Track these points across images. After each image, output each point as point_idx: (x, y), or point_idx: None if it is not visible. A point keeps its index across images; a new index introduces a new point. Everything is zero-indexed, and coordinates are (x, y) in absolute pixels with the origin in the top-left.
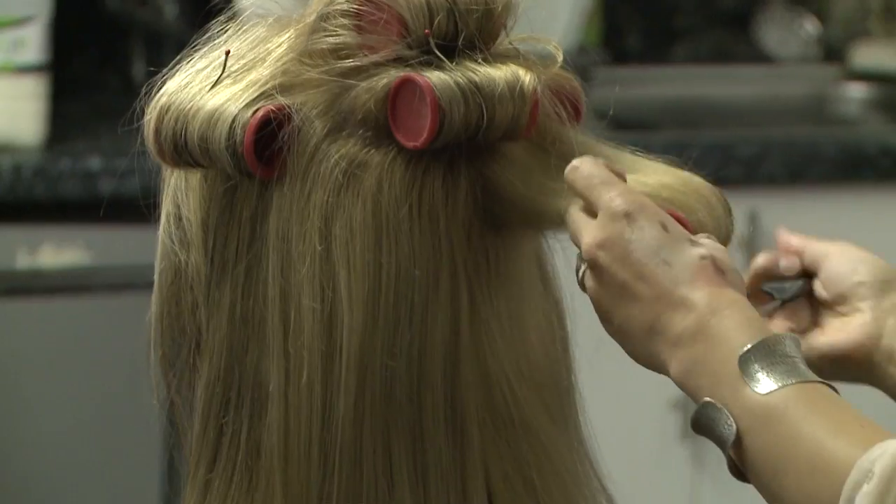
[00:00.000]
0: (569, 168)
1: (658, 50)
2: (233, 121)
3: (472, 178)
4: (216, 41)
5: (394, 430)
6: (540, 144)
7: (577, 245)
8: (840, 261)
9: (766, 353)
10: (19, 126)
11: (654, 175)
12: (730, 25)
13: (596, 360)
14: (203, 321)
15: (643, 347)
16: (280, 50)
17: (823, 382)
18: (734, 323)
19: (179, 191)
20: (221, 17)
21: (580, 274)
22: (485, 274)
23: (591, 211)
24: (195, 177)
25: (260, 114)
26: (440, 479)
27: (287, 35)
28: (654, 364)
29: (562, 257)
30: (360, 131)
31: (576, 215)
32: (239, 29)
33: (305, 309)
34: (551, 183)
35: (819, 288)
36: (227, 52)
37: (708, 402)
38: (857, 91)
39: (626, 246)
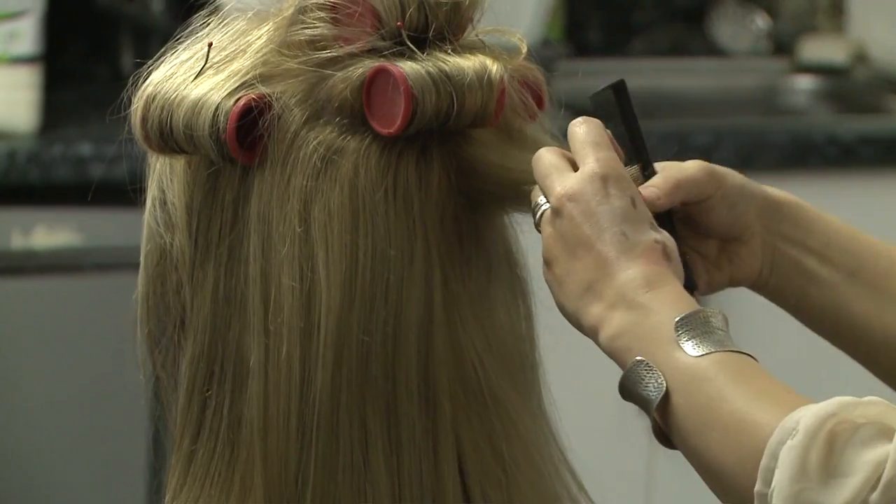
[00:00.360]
0: (572, 123)
1: (617, 44)
2: (216, 109)
3: (445, 162)
4: (199, 34)
5: (369, 403)
6: (507, 131)
7: (543, 186)
8: (719, 209)
9: (698, 323)
10: (14, 114)
11: None
12: (685, 21)
13: (559, 337)
14: (187, 300)
15: (575, 302)
16: (260, 42)
17: (749, 355)
18: (669, 297)
19: (164, 176)
20: (204, 12)
21: (538, 215)
22: (457, 254)
23: (574, 163)
24: (179, 163)
25: (242, 102)
26: (413, 449)
27: (266, 28)
28: (580, 319)
29: (526, 239)
30: (337, 119)
31: (553, 159)
32: (220, 22)
33: (285, 288)
34: (522, 156)
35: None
36: (210, 45)
37: (640, 361)
38: (805, 83)
39: (594, 206)
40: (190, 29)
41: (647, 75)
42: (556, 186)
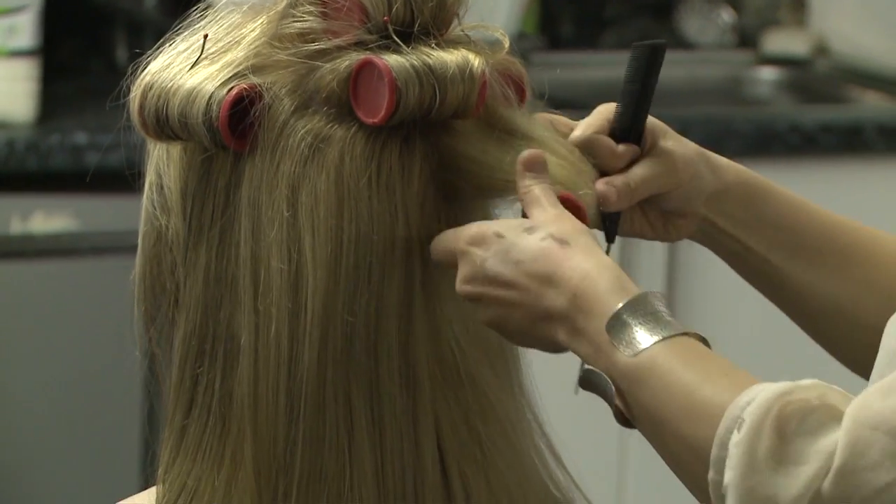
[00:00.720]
0: (431, 250)
1: (589, 37)
2: (209, 98)
3: (427, 152)
4: (196, 26)
5: (353, 380)
6: (488, 122)
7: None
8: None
9: (630, 313)
10: (13, 105)
11: (553, 155)
12: (654, 15)
13: None
14: (181, 280)
15: (537, 338)
16: (253, 34)
17: (687, 333)
18: (601, 288)
19: (161, 162)
20: (200, 5)
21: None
22: None
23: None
24: (176, 149)
25: (234, 92)
26: (395, 426)
27: (260, 21)
28: (550, 347)
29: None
30: (325, 108)
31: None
32: (217, 15)
33: (274, 270)
34: (499, 153)
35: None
36: (205, 36)
37: (588, 369)
38: (768, 74)
39: (482, 267)
40: (188, 21)
41: (617, 67)
42: (455, 288)
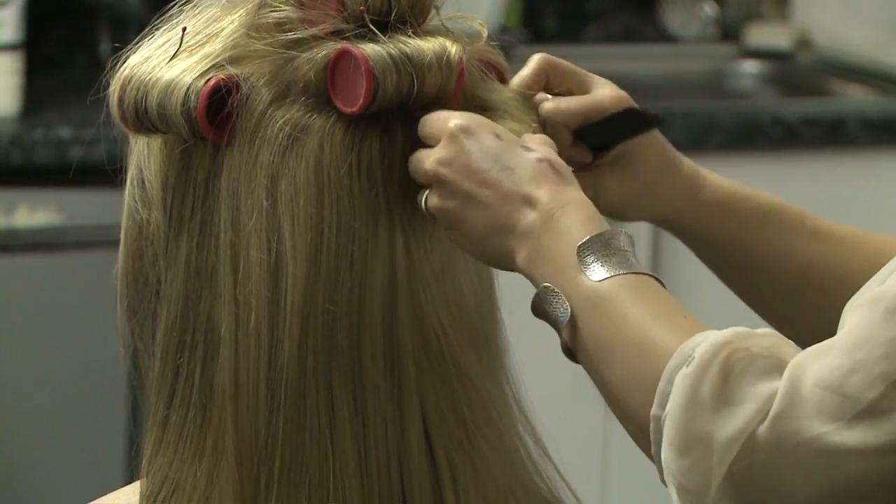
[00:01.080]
0: (420, 123)
1: (572, 30)
2: (187, 89)
3: (407, 139)
4: (175, 20)
5: (335, 370)
6: (467, 108)
7: (415, 173)
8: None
9: (601, 245)
10: None
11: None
12: (637, 8)
13: (517, 303)
14: (162, 272)
15: (491, 246)
16: (232, 27)
17: (651, 275)
18: (576, 218)
19: (142, 156)
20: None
21: (423, 200)
22: (419, 228)
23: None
24: (156, 143)
25: (211, 83)
26: (378, 412)
27: (238, 13)
28: (500, 260)
29: None
30: (303, 98)
31: (415, 153)
32: (196, 9)
33: (253, 259)
34: None
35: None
36: (184, 29)
37: (546, 287)
38: (751, 67)
39: (467, 157)
40: (168, 15)
41: (601, 61)
42: (424, 163)
